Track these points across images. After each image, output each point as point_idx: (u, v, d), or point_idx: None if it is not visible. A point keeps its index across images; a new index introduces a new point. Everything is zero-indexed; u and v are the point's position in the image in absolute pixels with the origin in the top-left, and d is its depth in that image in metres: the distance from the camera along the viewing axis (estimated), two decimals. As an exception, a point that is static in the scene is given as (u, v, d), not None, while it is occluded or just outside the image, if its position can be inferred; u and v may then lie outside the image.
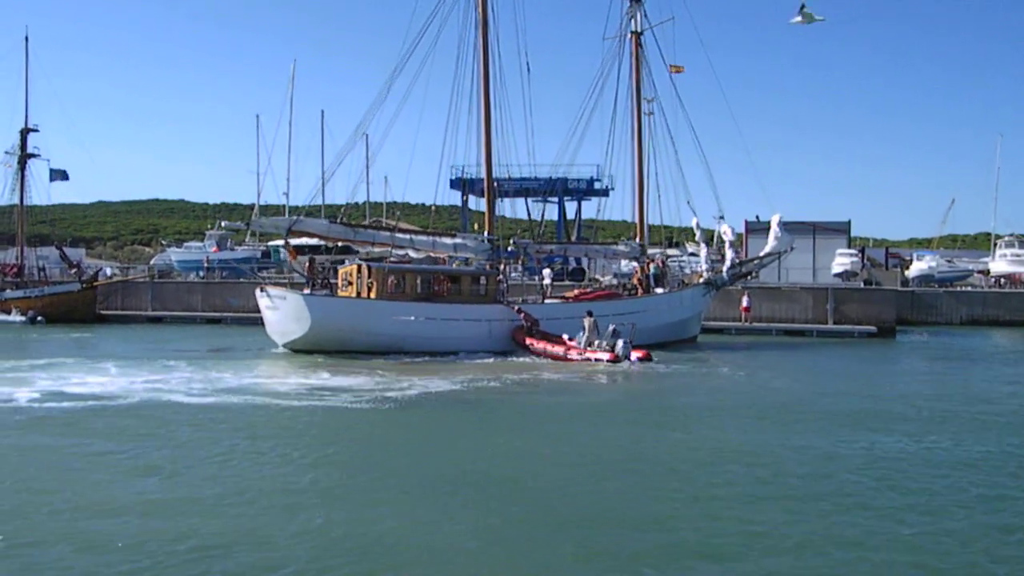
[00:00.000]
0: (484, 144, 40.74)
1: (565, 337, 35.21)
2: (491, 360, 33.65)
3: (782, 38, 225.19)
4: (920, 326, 57.31)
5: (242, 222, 42.68)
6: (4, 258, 74.48)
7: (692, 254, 47.17)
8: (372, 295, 36.43)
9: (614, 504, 12.64)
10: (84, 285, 61.90)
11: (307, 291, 36.55)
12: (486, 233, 41.17)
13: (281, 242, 61.63)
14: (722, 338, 47.73)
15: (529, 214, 68.72)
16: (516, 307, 37.34)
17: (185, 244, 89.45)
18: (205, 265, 70.62)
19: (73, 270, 65.64)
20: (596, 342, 34.19)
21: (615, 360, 32.57)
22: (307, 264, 38.80)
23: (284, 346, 36.04)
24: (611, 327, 34.54)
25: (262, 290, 36.53)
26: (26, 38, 67.04)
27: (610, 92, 45.48)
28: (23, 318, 58.85)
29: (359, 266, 38.10)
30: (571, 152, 45.91)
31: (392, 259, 44.75)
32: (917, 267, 71.56)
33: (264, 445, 16.40)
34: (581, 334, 34.81)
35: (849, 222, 65.50)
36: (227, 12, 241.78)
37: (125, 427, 17.56)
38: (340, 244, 46.22)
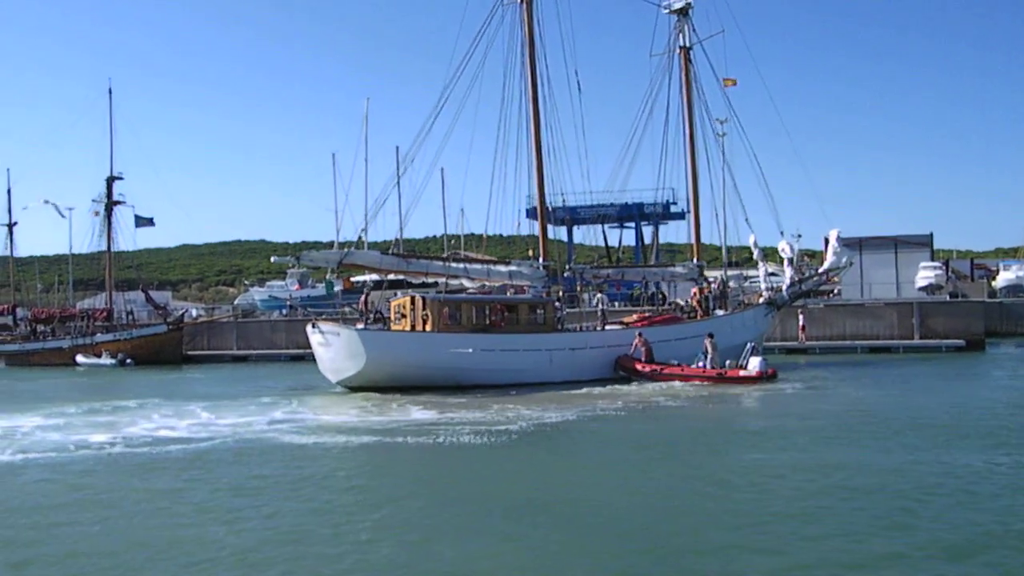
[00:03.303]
0: (536, 168, 39.93)
1: (674, 362, 34.85)
2: (598, 389, 32.58)
3: (835, 50, 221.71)
4: (1011, 337, 55.92)
5: (291, 256, 42.31)
6: (93, 303, 76.60)
7: (772, 274, 45.94)
8: (427, 327, 35.16)
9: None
10: (171, 327, 63.25)
11: (360, 326, 35.79)
12: (541, 259, 40.27)
13: (363, 277, 62.66)
14: (808, 357, 47.00)
15: (606, 240, 68.67)
16: (638, 333, 36.41)
17: (267, 283, 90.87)
18: (288, 303, 71.62)
19: (160, 312, 67.09)
20: (728, 362, 33.93)
21: (759, 378, 32.36)
22: (362, 299, 37.87)
23: (338, 383, 34.93)
24: (748, 345, 34.34)
25: (313, 326, 35.33)
26: (109, 90, 69.19)
27: (660, 110, 44.49)
28: (113, 360, 60.31)
29: (412, 298, 36.89)
30: (624, 173, 44.63)
31: (449, 290, 43.69)
32: (1004, 277, 69.97)
33: (352, 481, 16.40)
34: (702, 356, 34.40)
35: (931, 235, 64.10)
36: (299, 53, 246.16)
37: (215, 469, 17.62)
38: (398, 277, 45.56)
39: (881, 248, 59.25)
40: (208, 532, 12.52)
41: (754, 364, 33.08)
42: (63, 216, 79.92)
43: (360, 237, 44.91)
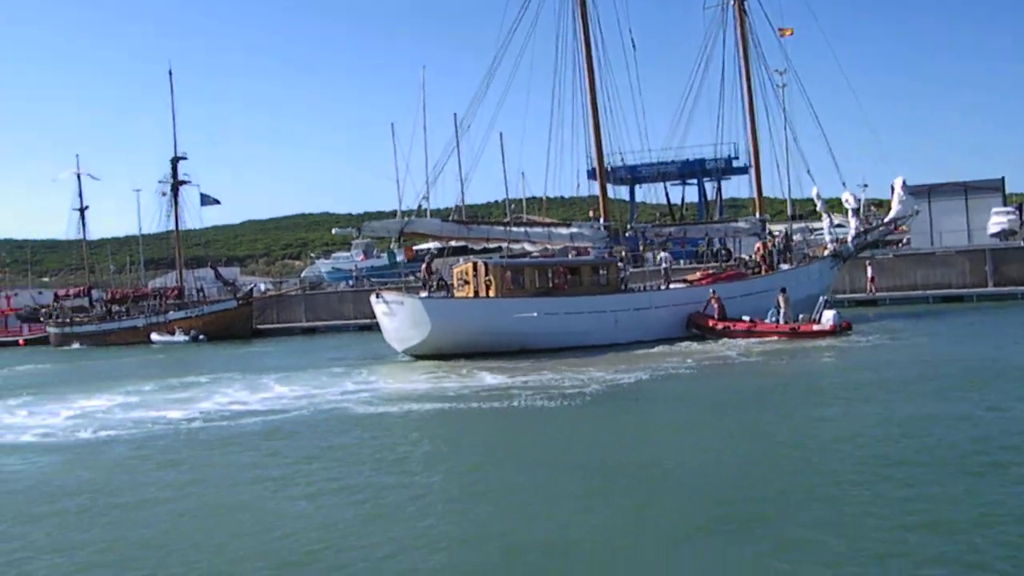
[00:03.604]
0: (593, 128, 39.66)
1: (746, 319, 34.72)
2: (669, 348, 32.49)
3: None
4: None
5: (353, 227, 42.38)
6: (164, 282, 78.04)
7: (838, 225, 45.19)
8: (491, 293, 35.24)
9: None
10: (240, 302, 64.16)
11: (424, 294, 35.87)
12: (602, 220, 39.96)
13: (426, 245, 62.95)
14: (878, 308, 46.40)
15: (668, 198, 68.09)
16: (712, 291, 36.22)
17: (333, 255, 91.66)
18: (353, 274, 72.22)
19: (229, 288, 68.12)
20: (801, 316, 33.82)
21: (834, 332, 32.11)
22: (424, 267, 37.96)
23: (404, 352, 35.02)
24: (821, 299, 34.21)
25: (377, 296, 35.55)
26: (170, 72, 70.22)
27: (716, 64, 43.67)
28: (186, 337, 61.52)
29: (475, 264, 36.83)
30: (682, 129, 44.08)
31: (513, 254, 43.59)
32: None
33: (430, 449, 16.51)
34: (774, 310, 34.22)
35: (1003, 179, 62.35)
36: (356, 23, 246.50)
37: (293, 441, 17.75)
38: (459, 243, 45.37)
39: (950, 195, 58.04)
40: (293, 505, 12.63)
41: (828, 318, 32.75)
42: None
43: (420, 205, 45.01)
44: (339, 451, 16.39)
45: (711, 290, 36.45)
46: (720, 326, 34.99)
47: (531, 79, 41.14)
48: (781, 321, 33.85)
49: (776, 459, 14.02)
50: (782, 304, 34.11)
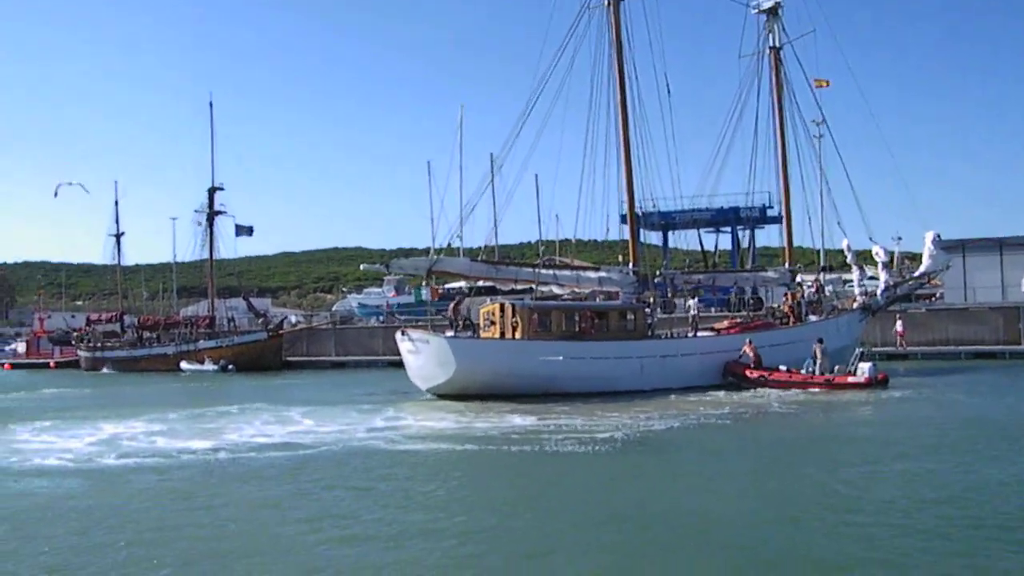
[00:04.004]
0: (625, 173, 39.66)
1: (783, 368, 34.63)
2: (700, 396, 32.34)
3: (929, 46, 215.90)
4: None
5: (380, 264, 42.43)
6: (197, 310, 78.58)
7: (871, 277, 45.04)
8: (517, 335, 34.94)
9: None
10: (271, 333, 64.43)
11: (450, 333, 35.66)
12: (631, 265, 39.84)
13: (456, 284, 63.10)
14: (909, 363, 45.97)
15: (702, 245, 67.89)
16: (748, 340, 36.15)
17: (365, 290, 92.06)
18: (385, 309, 72.43)
19: (260, 319, 68.38)
20: (836, 367, 33.79)
21: (869, 384, 32.09)
22: (452, 306, 37.86)
23: (428, 391, 34.73)
24: (857, 351, 34.27)
25: (403, 333, 35.39)
26: (210, 104, 71.12)
27: (750, 112, 43.71)
28: (215, 367, 61.70)
29: (502, 305, 36.58)
30: (714, 176, 44.19)
31: (544, 296, 43.41)
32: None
33: (459, 491, 16.39)
34: (811, 361, 34.10)
35: (1037, 236, 61.96)
36: (394, 60, 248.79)
37: (319, 478, 17.64)
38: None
39: (985, 250, 57.58)
40: (317, 544, 12.58)
41: (863, 370, 32.71)
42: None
43: (450, 243, 45.18)
44: (365, 491, 16.26)
45: (748, 339, 36.35)
46: (756, 375, 34.88)
47: (565, 121, 41.02)
48: (817, 372, 33.75)
49: (806, 517, 13.79)
50: (819, 355, 34.03)
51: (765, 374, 34.71)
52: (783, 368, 34.67)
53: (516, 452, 20.49)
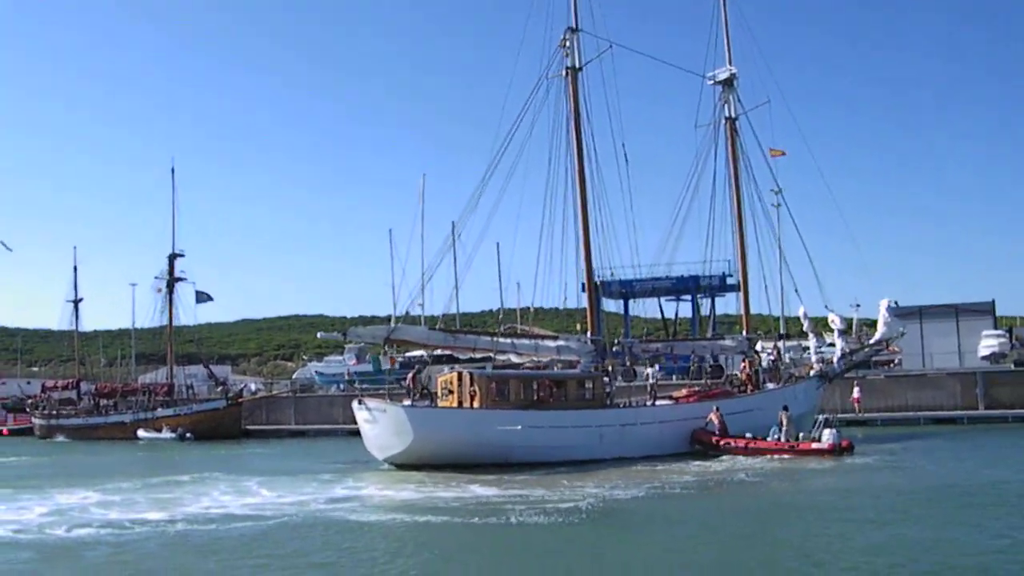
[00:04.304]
0: (584, 243, 39.92)
1: (748, 435, 34.92)
2: (662, 465, 32.16)
3: (880, 120, 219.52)
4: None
5: (337, 332, 42.13)
6: (155, 377, 77.81)
7: (830, 344, 45.43)
8: (475, 404, 34.61)
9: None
10: (230, 402, 63.81)
11: (407, 402, 35.26)
12: (588, 334, 39.93)
13: (418, 353, 62.72)
14: (868, 429, 46.19)
15: (662, 313, 68.26)
16: (715, 407, 36.28)
17: (326, 358, 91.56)
18: (346, 378, 72.02)
19: (220, 388, 67.78)
20: (800, 435, 34.13)
21: (832, 451, 32.36)
22: (410, 376, 37.44)
23: (385, 460, 34.46)
24: (821, 418, 34.70)
25: (360, 402, 34.97)
26: (172, 169, 71.32)
27: (707, 181, 43.99)
28: (173, 435, 61.04)
29: (460, 373, 36.28)
30: (671, 244, 44.07)
31: (504, 365, 43.47)
32: (1072, 344, 68.15)
33: (425, 568, 16.08)
34: (776, 428, 34.40)
35: (993, 302, 62.34)
36: (357, 130, 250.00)
37: (279, 550, 17.39)
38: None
39: (941, 317, 58.22)
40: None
41: (827, 436, 33.05)
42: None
43: (407, 311, 45.04)
44: (326, 566, 16.02)
45: (715, 407, 36.49)
46: (722, 442, 35.06)
47: (524, 189, 41.42)
48: (783, 439, 34.00)
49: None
50: (784, 422, 34.35)
51: (731, 441, 34.93)
52: (748, 435, 34.89)
53: (479, 524, 20.24)
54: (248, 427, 63.78)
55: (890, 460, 31.79)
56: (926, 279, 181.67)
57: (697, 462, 32.94)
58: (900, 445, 36.91)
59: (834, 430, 33.58)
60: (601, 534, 19.22)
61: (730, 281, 62.74)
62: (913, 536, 17.18)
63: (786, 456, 33.08)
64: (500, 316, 79.76)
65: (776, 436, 34.30)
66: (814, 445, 33.09)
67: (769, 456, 33.41)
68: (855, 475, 28.36)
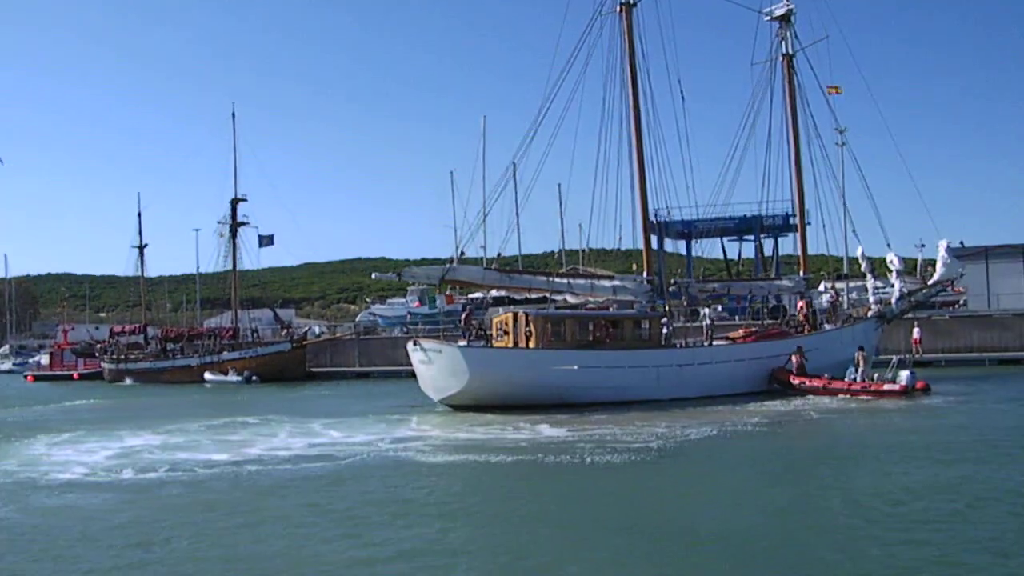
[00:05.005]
0: (639, 182, 39.43)
1: (826, 376, 35.08)
2: (728, 406, 31.99)
3: (943, 53, 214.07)
4: None
5: (393, 272, 42.43)
6: (220, 322, 78.86)
7: (892, 285, 44.85)
8: (530, 344, 34.47)
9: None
10: (294, 345, 64.57)
11: (463, 343, 35.46)
12: (645, 274, 39.53)
13: (478, 294, 63.00)
14: (931, 370, 45.72)
15: (725, 253, 67.72)
16: (797, 346, 36.44)
17: (388, 300, 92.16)
18: (408, 320, 72.51)
19: (284, 331, 68.59)
20: (876, 375, 34.11)
21: (904, 392, 32.40)
22: (464, 315, 37.36)
23: (440, 401, 34.38)
24: (895, 359, 34.68)
25: (415, 343, 34.77)
26: (233, 115, 71.62)
27: (764, 119, 43.18)
28: (239, 378, 61.88)
29: (515, 314, 35.99)
30: (728, 184, 43.05)
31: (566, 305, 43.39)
32: None
33: (491, 504, 16.29)
34: (852, 369, 34.36)
35: (1060, 241, 61.41)
36: (420, 74, 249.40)
37: (349, 490, 17.54)
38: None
39: (1008, 257, 57.14)
40: (351, 556, 12.60)
41: (902, 377, 32.98)
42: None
43: (463, 252, 45.13)
44: (396, 503, 16.20)
45: (796, 346, 36.56)
46: (797, 381, 35.20)
47: (579, 129, 41.00)
48: (859, 379, 33.94)
49: (838, 528, 13.79)
50: (860, 362, 34.31)
51: (805, 380, 35.09)
52: (826, 376, 34.99)
53: (551, 464, 20.24)
54: (312, 369, 64.69)
55: (964, 400, 31.63)
56: (997, 217, 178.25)
57: (768, 402, 32.79)
58: (971, 387, 36.55)
59: (909, 371, 33.48)
60: (670, 473, 19.31)
61: (793, 221, 61.98)
62: (995, 477, 17.09)
63: (862, 396, 33.07)
64: (561, 257, 79.79)
65: (852, 376, 34.18)
66: (886, 387, 32.94)
67: (847, 396, 33.41)
68: (932, 416, 28.13)
